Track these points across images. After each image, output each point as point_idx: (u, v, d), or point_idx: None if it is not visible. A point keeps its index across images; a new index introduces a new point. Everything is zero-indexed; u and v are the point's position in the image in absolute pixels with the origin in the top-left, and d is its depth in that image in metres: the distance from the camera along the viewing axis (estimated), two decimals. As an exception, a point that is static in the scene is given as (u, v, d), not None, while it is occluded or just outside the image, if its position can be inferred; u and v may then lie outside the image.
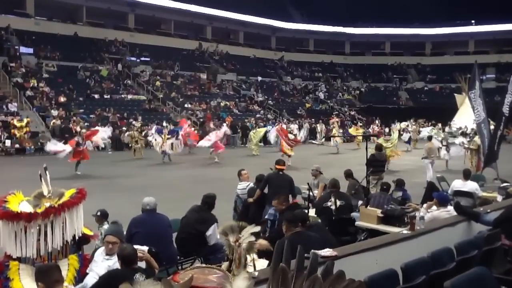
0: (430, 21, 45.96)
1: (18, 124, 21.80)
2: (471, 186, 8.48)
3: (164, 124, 24.34)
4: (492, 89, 34.86)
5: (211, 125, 26.10)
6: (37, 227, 3.80)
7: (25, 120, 22.37)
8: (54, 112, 25.04)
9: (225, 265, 3.85)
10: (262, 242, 4.58)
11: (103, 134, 17.62)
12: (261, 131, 23.35)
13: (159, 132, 19.30)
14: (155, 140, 18.99)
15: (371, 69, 48.00)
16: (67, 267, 3.95)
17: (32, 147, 21.34)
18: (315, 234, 4.85)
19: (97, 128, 18.13)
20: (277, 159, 8.58)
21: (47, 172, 4.22)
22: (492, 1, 40.83)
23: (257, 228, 3.83)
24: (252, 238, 3.65)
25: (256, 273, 3.49)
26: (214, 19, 42.80)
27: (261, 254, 4.64)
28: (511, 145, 24.25)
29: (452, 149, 16.56)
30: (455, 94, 23.67)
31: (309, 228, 5.03)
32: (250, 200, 7.50)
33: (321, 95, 41.29)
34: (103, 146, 20.61)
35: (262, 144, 23.49)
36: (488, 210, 6.14)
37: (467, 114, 15.92)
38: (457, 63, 40.46)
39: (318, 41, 49.51)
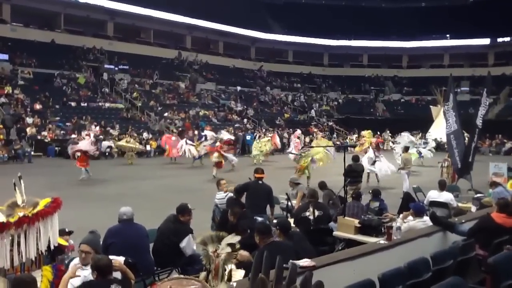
0: (406, 35, 46.92)
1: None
2: (446, 196, 8.62)
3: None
4: (466, 102, 35.63)
5: (190, 134, 25.91)
6: (10, 237, 3.70)
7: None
8: (29, 120, 24.58)
9: (202, 275, 3.82)
10: (243, 253, 4.54)
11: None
12: (265, 141, 23.33)
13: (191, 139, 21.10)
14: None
15: (349, 80, 48.56)
16: (41, 278, 3.86)
17: (6, 155, 20.84)
18: (290, 243, 4.85)
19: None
20: (256, 167, 8.57)
21: (21, 181, 4.13)
22: (466, 17, 42.01)
23: (237, 238, 3.81)
24: (230, 249, 3.62)
25: (235, 284, 3.46)
26: (194, 28, 42.80)
27: (239, 264, 4.61)
28: (485, 156, 24.83)
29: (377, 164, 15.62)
30: (431, 106, 24.05)
31: (289, 238, 5.02)
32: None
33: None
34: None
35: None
36: (463, 221, 6.25)
37: (442, 126, 16.17)
38: (433, 76, 41.37)
39: (297, 53, 49.96)
